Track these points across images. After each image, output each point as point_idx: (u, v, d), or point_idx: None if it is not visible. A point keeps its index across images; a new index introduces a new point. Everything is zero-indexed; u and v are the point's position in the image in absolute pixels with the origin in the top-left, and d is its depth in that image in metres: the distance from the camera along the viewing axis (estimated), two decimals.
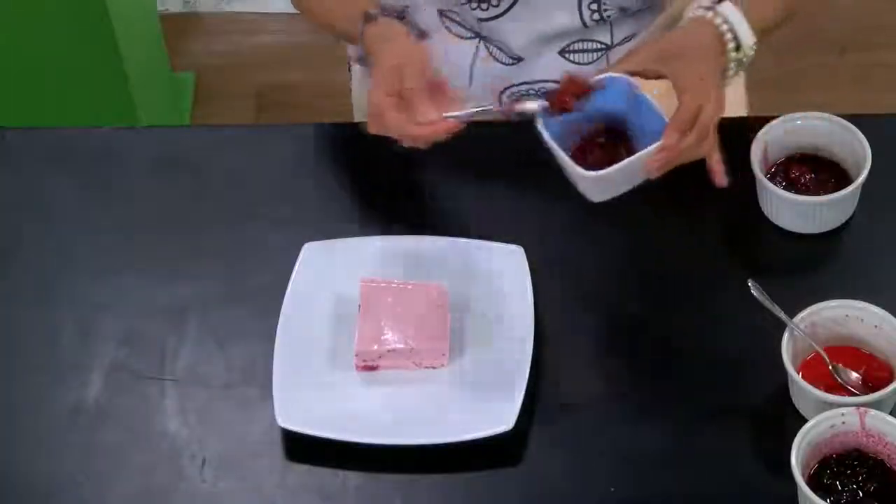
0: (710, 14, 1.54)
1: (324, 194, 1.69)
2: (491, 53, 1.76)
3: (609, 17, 1.72)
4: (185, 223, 1.68)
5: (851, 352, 1.48)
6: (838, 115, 1.65)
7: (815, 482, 1.38)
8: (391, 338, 1.51)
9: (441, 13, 1.76)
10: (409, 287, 1.54)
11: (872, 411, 1.39)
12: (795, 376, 1.45)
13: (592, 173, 1.50)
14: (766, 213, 1.62)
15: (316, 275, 1.58)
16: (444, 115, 1.50)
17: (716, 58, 1.54)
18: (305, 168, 1.73)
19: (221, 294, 1.61)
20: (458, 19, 1.76)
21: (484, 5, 1.71)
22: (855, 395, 1.45)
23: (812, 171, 1.64)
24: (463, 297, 1.56)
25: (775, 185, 1.60)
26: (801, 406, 1.47)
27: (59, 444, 1.50)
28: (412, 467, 1.47)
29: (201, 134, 1.90)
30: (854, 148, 1.62)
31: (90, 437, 1.51)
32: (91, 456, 1.50)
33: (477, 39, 1.76)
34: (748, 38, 1.54)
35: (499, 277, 1.57)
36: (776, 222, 1.62)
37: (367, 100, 1.53)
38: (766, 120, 1.67)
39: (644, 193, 1.62)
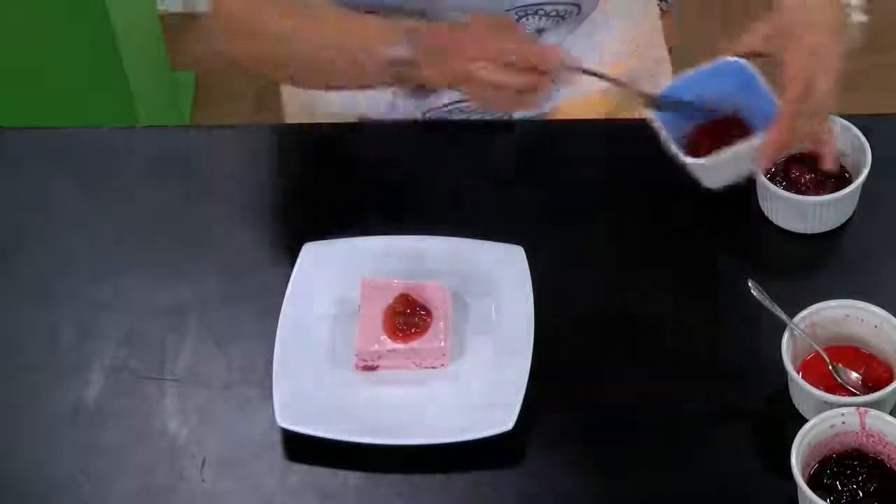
0: None
1: (324, 194, 1.69)
2: None
3: (539, 32, 1.70)
4: (185, 223, 1.68)
5: (851, 352, 1.48)
6: (838, 115, 1.64)
7: (815, 482, 1.38)
8: (391, 338, 1.51)
9: None
10: (410, 287, 1.54)
11: (872, 411, 1.39)
12: (795, 376, 1.45)
13: (700, 160, 1.49)
14: (766, 213, 1.62)
15: (316, 275, 1.58)
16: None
17: (832, 28, 1.49)
18: (305, 168, 1.73)
19: (221, 294, 1.61)
20: None
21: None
22: (855, 395, 1.45)
23: (812, 171, 1.63)
24: (463, 297, 1.56)
25: (775, 185, 1.60)
26: (801, 406, 1.47)
27: (59, 444, 1.50)
28: (412, 467, 1.46)
29: (201, 134, 1.89)
30: (854, 148, 1.62)
31: (90, 437, 1.51)
32: (91, 456, 1.50)
33: None
34: None
35: (499, 277, 1.57)
36: (776, 222, 1.62)
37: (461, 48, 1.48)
38: None
39: (644, 194, 1.63)
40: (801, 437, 1.38)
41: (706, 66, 1.56)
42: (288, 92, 1.90)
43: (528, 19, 1.68)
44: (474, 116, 1.72)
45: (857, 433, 1.40)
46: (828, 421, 1.39)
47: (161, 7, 3.11)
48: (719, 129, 1.56)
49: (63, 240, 1.67)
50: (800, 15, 1.50)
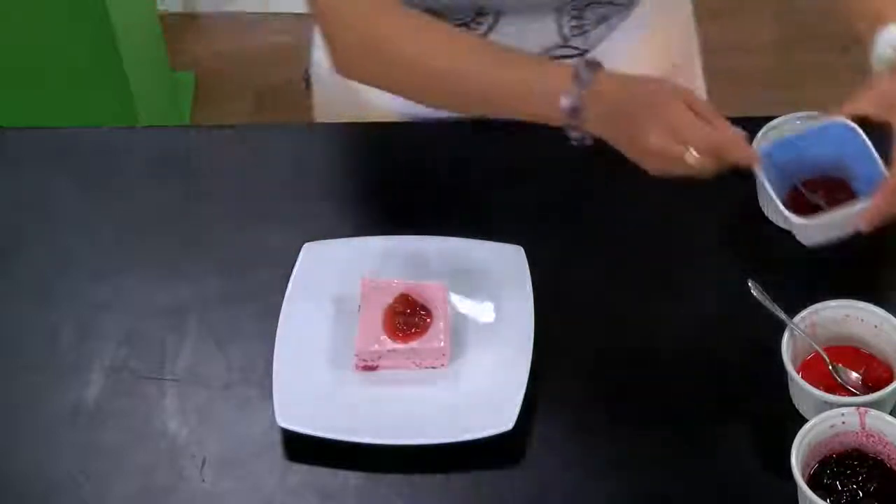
0: None
1: (324, 194, 1.69)
2: None
3: (587, 29, 1.72)
4: (185, 223, 1.68)
5: (851, 352, 1.48)
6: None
7: (815, 482, 1.38)
8: (391, 338, 1.51)
9: None
10: (410, 287, 1.54)
11: (872, 411, 1.39)
12: (795, 376, 1.45)
13: (803, 220, 1.50)
14: (766, 213, 1.62)
15: (316, 275, 1.58)
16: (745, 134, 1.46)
17: None
18: (305, 168, 1.73)
19: (221, 294, 1.61)
20: None
21: (463, 28, 1.68)
22: (855, 394, 1.45)
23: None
24: (463, 297, 1.56)
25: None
26: (801, 406, 1.47)
27: (59, 444, 1.50)
28: (412, 467, 1.47)
29: (201, 134, 1.89)
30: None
31: (90, 437, 1.51)
32: (91, 456, 1.50)
33: None
34: None
35: (499, 277, 1.57)
36: (776, 222, 1.61)
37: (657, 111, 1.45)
38: (766, 120, 1.67)
39: (644, 194, 1.63)
40: (801, 437, 1.38)
41: (815, 125, 1.56)
42: (319, 92, 1.89)
43: (587, 10, 1.69)
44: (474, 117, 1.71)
45: (857, 433, 1.40)
46: (828, 421, 1.39)
47: (161, 7, 3.11)
48: (822, 187, 1.56)
49: (63, 240, 1.67)
50: None
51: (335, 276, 1.58)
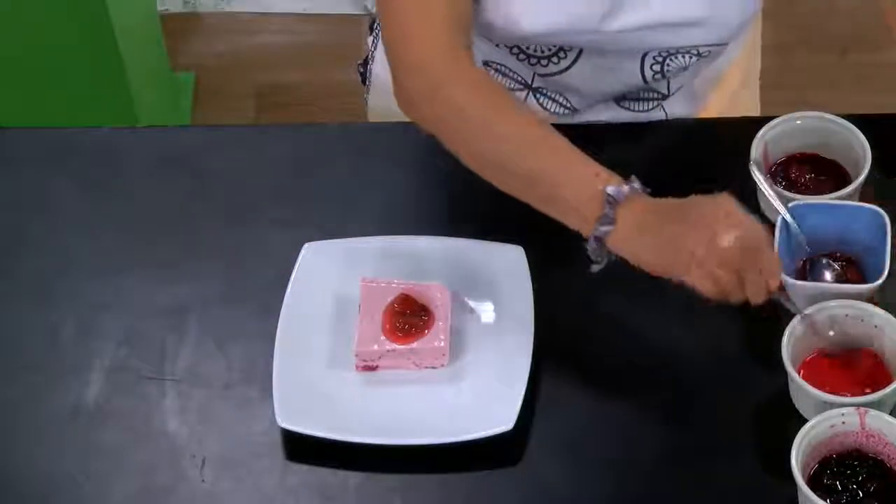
0: None
1: (324, 194, 1.69)
2: (540, 103, 1.73)
3: (670, 74, 1.71)
4: (185, 223, 1.68)
5: (851, 352, 1.48)
6: (838, 115, 1.65)
7: (815, 482, 1.38)
8: (391, 338, 1.51)
9: (486, 63, 1.71)
10: (409, 287, 1.54)
11: (872, 411, 1.39)
12: (795, 376, 1.45)
13: (800, 283, 1.51)
14: (765, 213, 1.62)
15: (316, 275, 1.58)
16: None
17: None
18: (305, 168, 1.73)
19: (221, 294, 1.61)
20: (505, 70, 1.71)
21: (544, 62, 1.67)
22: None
23: (812, 171, 1.64)
24: (463, 297, 1.56)
25: (775, 184, 1.60)
26: (801, 406, 1.47)
27: (59, 444, 1.50)
28: (412, 467, 1.46)
29: (201, 134, 1.89)
30: (854, 148, 1.62)
31: (90, 437, 1.51)
32: (91, 456, 1.50)
33: (526, 91, 1.72)
34: None
35: (499, 277, 1.57)
36: (775, 222, 1.61)
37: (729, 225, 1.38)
38: (766, 120, 1.67)
39: (644, 193, 1.62)
40: (801, 437, 1.38)
41: (848, 203, 1.57)
42: (374, 100, 1.88)
43: (673, 59, 1.68)
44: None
45: (857, 433, 1.40)
46: (828, 421, 1.39)
47: (161, 7, 3.11)
48: (834, 258, 1.57)
49: (63, 240, 1.67)
50: None
51: (335, 277, 1.57)
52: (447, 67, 1.49)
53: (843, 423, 1.39)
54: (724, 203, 1.40)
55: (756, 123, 1.66)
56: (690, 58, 1.69)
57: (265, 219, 1.67)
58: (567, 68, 1.69)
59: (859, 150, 1.61)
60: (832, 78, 2.90)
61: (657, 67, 1.69)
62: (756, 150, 1.62)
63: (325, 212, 1.67)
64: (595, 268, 1.44)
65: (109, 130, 1.83)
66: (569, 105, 1.73)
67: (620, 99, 1.74)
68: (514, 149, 1.46)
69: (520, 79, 1.71)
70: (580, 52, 1.67)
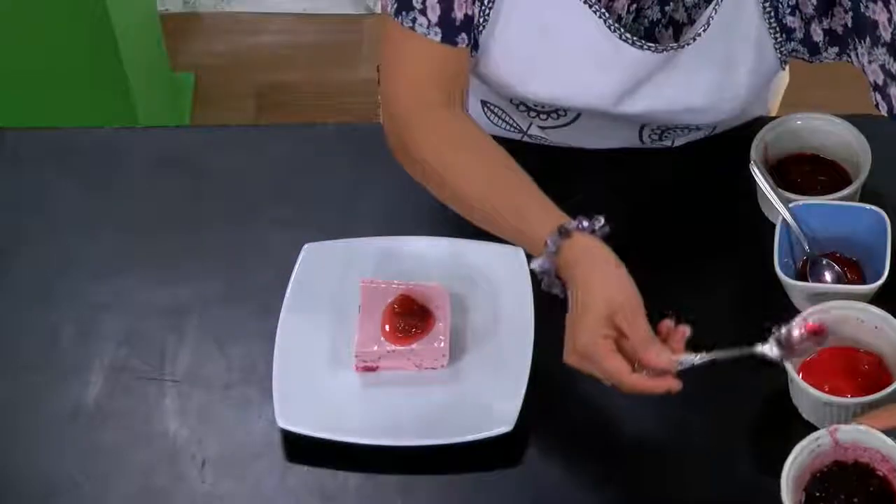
0: None
1: (324, 194, 1.69)
2: (535, 141, 1.73)
3: (667, 140, 1.71)
4: (185, 223, 1.68)
5: (851, 352, 1.48)
6: (838, 115, 1.65)
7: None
8: (391, 339, 1.51)
9: (484, 103, 1.71)
10: (409, 288, 1.54)
11: (842, 427, 1.38)
12: (795, 376, 1.45)
13: (800, 283, 1.52)
14: (765, 213, 1.62)
15: (316, 275, 1.58)
16: (676, 360, 1.39)
17: None
18: (305, 168, 1.73)
19: (221, 294, 1.61)
20: (501, 114, 1.72)
21: (543, 116, 1.68)
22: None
23: (812, 171, 1.64)
24: (463, 297, 1.56)
25: (776, 184, 1.59)
26: (801, 406, 1.47)
27: (59, 444, 1.50)
28: (412, 468, 1.47)
29: (201, 134, 1.89)
30: (854, 148, 1.62)
31: (90, 437, 1.51)
32: (91, 456, 1.50)
33: (521, 135, 1.72)
34: None
35: (499, 277, 1.57)
36: (775, 222, 1.61)
37: (573, 336, 1.41)
38: (766, 120, 1.67)
39: (644, 194, 1.63)
40: (787, 471, 1.35)
41: (848, 204, 1.57)
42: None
43: (671, 132, 1.69)
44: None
45: (833, 449, 1.38)
46: (807, 448, 1.37)
47: (161, 7, 3.11)
48: (834, 258, 1.57)
49: (63, 240, 1.67)
50: None
51: (335, 277, 1.57)
52: (415, 119, 1.55)
53: (819, 445, 1.38)
54: (580, 318, 1.41)
55: (756, 123, 1.66)
56: (689, 132, 1.69)
57: (265, 219, 1.67)
58: (566, 125, 1.69)
59: (859, 150, 1.61)
60: (832, 78, 2.90)
61: (655, 136, 1.70)
62: (756, 150, 1.62)
63: (325, 212, 1.67)
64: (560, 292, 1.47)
65: (109, 130, 1.83)
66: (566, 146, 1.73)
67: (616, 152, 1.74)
68: (468, 200, 1.52)
69: (515, 125, 1.72)
70: (579, 114, 1.67)
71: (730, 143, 1.68)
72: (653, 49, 1.54)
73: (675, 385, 1.39)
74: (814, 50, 1.58)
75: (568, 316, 1.42)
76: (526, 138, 1.71)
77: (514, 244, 1.53)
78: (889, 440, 1.35)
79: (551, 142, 1.71)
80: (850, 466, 1.38)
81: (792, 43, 1.58)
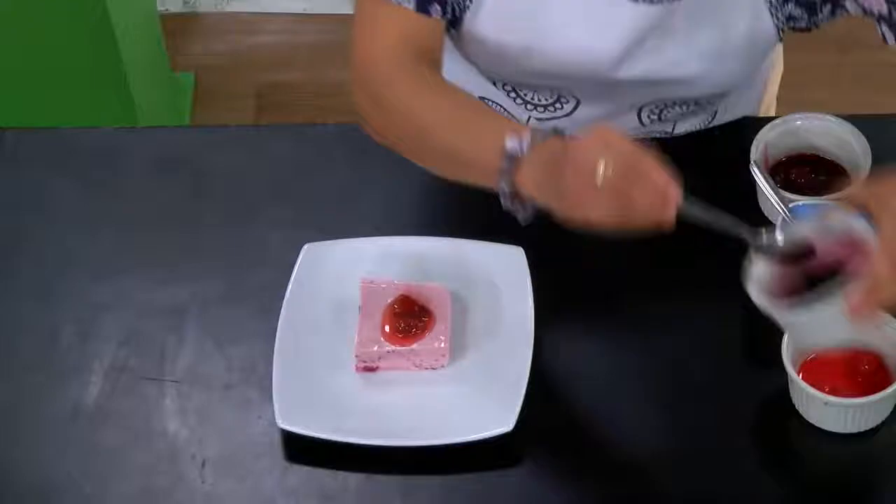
0: None
1: (324, 194, 1.69)
2: None
3: (666, 120, 1.71)
4: (185, 223, 1.68)
5: (851, 352, 1.48)
6: (838, 115, 1.65)
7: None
8: (391, 339, 1.51)
9: (482, 98, 1.71)
10: (410, 288, 1.54)
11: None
12: (795, 377, 1.45)
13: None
14: (765, 213, 1.62)
15: (316, 275, 1.58)
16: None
17: None
18: (305, 168, 1.73)
19: (221, 294, 1.61)
20: (499, 108, 1.72)
21: (541, 108, 1.68)
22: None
23: (812, 171, 1.64)
24: (463, 297, 1.56)
25: (776, 184, 1.60)
26: (801, 406, 1.47)
27: (59, 444, 1.51)
28: (412, 468, 1.47)
29: (201, 134, 1.90)
30: (854, 148, 1.62)
31: (90, 437, 1.51)
32: (91, 456, 1.50)
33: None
34: None
35: (499, 277, 1.57)
36: (775, 222, 1.61)
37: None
38: (766, 120, 1.67)
39: None
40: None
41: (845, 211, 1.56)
42: None
43: (670, 110, 1.69)
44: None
45: None
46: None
47: (161, 7, 3.11)
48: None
49: (63, 240, 1.67)
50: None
51: (335, 277, 1.58)
52: (398, 75, 1.52)
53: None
54: (602, 133, 1.36)
55: (756, 123, 1.66)
56: (688, 107, 1.69)
57: (265, 219, 1.67)
58: (565, 116, 1.69)
59: (859, 150, 1.61)
60: (832, 78, 2.90)
61: (654, 116, 1.70)
62: (756, 150, 1.62)
63: (325, 212, 1.67)
64: (522, 218, 1.44)
65: (109, 130, 1.83)
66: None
67: None
68: (441, 118, 1.49)
69: (513, 118, 1.71)
70: (578, 102, 1.67)
71: (730, 143, 1.68)
72: (648, 1, 1.54)
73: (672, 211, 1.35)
74: (811, 8, 1.58)
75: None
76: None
77: (463, 179, 1.49)
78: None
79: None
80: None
81: (788, 6, 1.58)
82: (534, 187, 1.40)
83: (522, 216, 1.43)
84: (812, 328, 1.39)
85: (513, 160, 1.40)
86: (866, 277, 1.31)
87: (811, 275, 1.37)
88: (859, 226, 1.35)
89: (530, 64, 1.60)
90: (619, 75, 1.60)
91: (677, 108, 1.69)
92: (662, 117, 1.70)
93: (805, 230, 1.38)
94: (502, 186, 1.41)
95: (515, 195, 1.41)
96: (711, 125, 1.75)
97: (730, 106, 1.73)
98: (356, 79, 1.56)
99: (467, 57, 1.65)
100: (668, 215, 1.35)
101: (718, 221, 1.38)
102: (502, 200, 1.42)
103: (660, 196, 1.35)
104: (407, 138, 1.53)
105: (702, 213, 1.38)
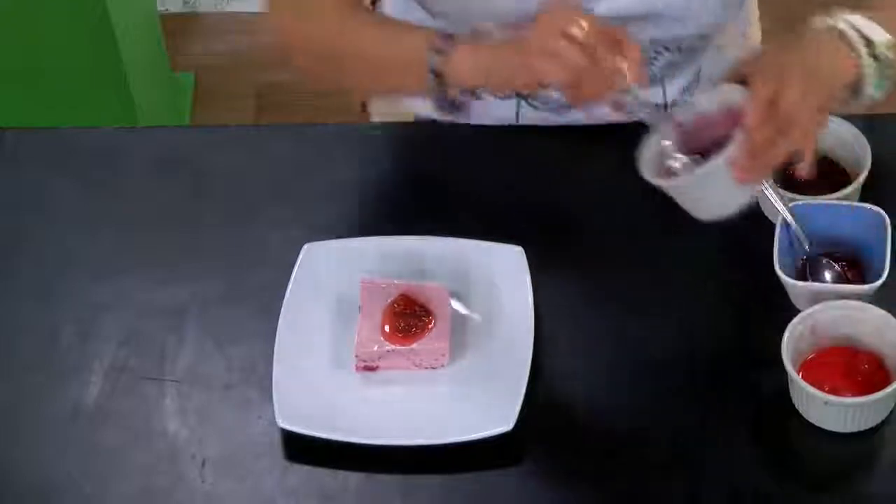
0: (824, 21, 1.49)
1: (324, 194, 1.69)
2: (534, 106, 1.73)
3: (654, 72, 1.70)
4: (185, 223, 1.68)
5: (851, 352, 1.48)
6: (838, 115, 1.64)
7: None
8: (391, 339, 1.51)
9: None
10: (410, 287, 1.54)
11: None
12: (795, 376, 1.45)
13: (800, 283, 1.51)
14: (765, 213, 1.62)
15: (316, 275, 1.58)
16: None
17: (818, 52, 1.46)
18: (305, 168, 1.73)
19: (221, 294, 1.61)
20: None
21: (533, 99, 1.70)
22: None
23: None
24: (463, 297, 1.56)
25: (776, 184, 1.59)
26: (801, 406, 1.47)
27: (59, 444, 1.50)
28: (412, 467, 1.47)
29: (201, 134, 1.90)
30: (854, 148, 1.62)
31: (90, 437, 1.51)
32: (91, 456, 1.50)
33: (516, 99, 1.72)
34: (879, 34, 1.48)
35: (499, 277, 1.57)
36: (775, 222, 1.61)
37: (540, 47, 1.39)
38: None
39: (645, 194, 1.62)
40: None
41: (849, 204, 1.57)
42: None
43: (654, 60, 1.69)
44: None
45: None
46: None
47: (161, 7, 3.11)
48: (834, 258, 1.57)
49: (63, 240, 1.67)
50: (780, 52, 1.48)
51: (335, 277, 1.57)
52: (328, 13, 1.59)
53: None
54: (568, 9, 1.41)
55: None
56: (671, 53, 1.69)
57: (265, 219, 1.67)
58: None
59: (859, 150, 1.61)
60: None
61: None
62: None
63: (325, 212, 1.67)
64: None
65: (109, 130, 1.83)
66: (563, 104, 1.72)
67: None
68: (368, 35, 1.56)
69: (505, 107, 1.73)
70: None
71: None
72: None
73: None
74: None
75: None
76: (524, 108, 1.72)
77: (395, 90, 1.60)
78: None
79: (547, 121, 1.71)
80: None
81: None
82: (470, 68, 1.46)
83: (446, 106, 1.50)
84: (707, 199, 1.47)
85: (442, 52, 1.47)
86: (744, 140, 1.39)
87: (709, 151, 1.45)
88: (734, 95, 1.44)
89: (497, 5, 1.60)
90: (598, 11, 1.59)
91: (661, 55, 1.68)
92: (649, 69, 1.69)
93: (691, 111, 1.47)
94: (430, 79, 1.48)
95: (442, 84, 1.48)
96: (699, 86, 1.74)
97: (713, 62, 1.72)
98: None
99: (430, 7, 1.64)
100: (621, 86, 1.41)
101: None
102: (430, 97, 1.50)
103: (624, 62, 1.40)
104: (329, 49, 1.59)
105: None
